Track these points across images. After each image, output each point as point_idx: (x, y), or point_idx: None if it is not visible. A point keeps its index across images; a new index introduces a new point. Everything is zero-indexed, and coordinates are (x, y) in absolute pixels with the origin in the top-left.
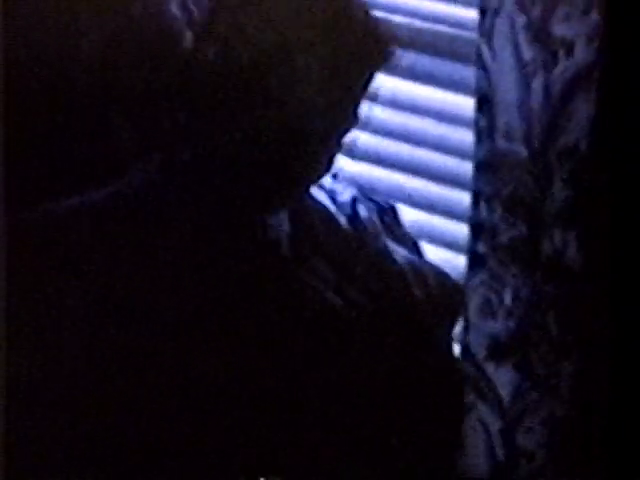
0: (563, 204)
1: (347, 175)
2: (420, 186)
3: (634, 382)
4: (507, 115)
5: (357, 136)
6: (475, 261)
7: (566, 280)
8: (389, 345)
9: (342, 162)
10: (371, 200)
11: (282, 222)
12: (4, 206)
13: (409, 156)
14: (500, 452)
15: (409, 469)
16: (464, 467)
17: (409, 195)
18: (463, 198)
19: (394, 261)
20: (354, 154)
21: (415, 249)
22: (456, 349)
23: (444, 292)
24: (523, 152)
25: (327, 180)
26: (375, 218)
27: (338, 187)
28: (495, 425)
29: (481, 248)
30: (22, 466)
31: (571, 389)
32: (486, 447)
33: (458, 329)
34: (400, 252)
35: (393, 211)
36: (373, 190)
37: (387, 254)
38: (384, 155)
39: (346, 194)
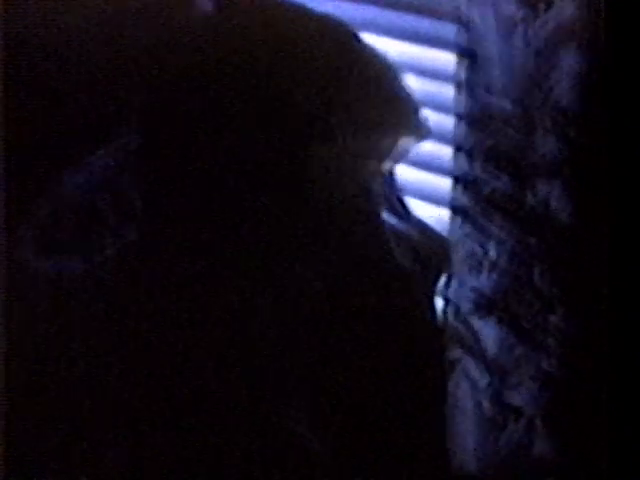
0: (547, 155)
1: None
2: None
3: (633, 338)
4: (489, 69)
5: None
6: (458, 214)
7: (550, 231)
8: (372, 303)
9: None
10: None
11: None
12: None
13: None
14: (488, 408)
15: (395, 427)
16: (451, 423)
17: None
18: (446, 152)
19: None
20: None
21: (401, 205)
22: (440, 304)
23: (429, 247)
24: (506, 105)
25: None
26: None
27: None
28: (482, 381)
29: (464, 201)
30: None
31: (560, 344)
32: (474, 403)
33: (442, 283)
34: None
35: (390, 177)
36: None
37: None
38: None
39: None
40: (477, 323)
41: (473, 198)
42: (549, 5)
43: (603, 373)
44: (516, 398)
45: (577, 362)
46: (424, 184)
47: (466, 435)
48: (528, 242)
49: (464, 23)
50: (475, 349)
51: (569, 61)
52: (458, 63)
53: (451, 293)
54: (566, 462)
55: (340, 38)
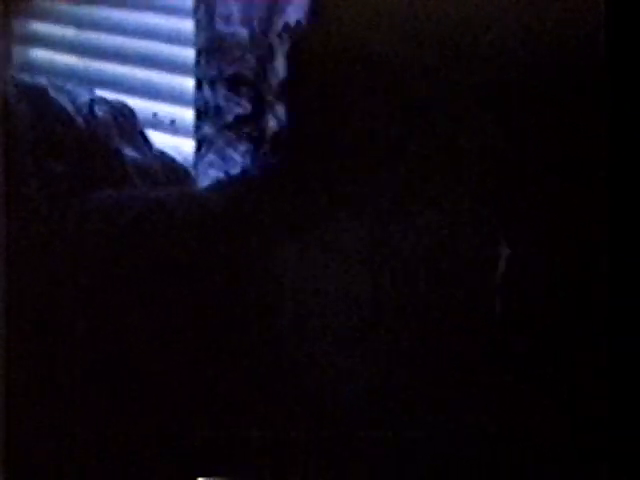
0: (285, 80)
1: (80, 73)
2: (145, 76)
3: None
4: (225, 1)
5: (79, 33)
6: (203, 143)
7: (294, 152)
8: None
9: (71, 60)
10: (106, 101)
11: None
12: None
13: (131, 48)
14: None
15: None
16: None
17: (135, 86)
18: (187, 83)
19: (123, 162)
20: (81, 51)
21: (145, 142)
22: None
23: (173, 177)
24: (243, 34)
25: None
26: (109, 119)
27: (77, 89)
28: None
29: (208, 130)
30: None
31: None
32: None
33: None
34: (129, 152)
35: (127, 110)
36: (102, 84)
37: (118, 154)
38: (109, 49)
39: (84, 96)
40: None
41: (215, 127)
42: None
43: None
44: None
45: None
46: (165, 116)
47: None
48: (265, 165)
49: None
50: None
51: None
52: None
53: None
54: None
55: None
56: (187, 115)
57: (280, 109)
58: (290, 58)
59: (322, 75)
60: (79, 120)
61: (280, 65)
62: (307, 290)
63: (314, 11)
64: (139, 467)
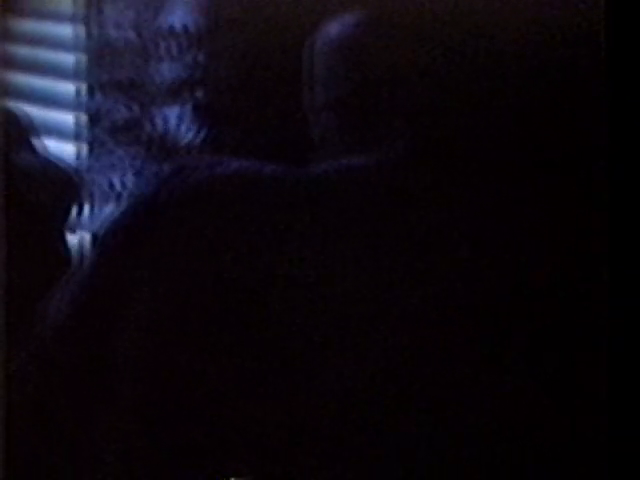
0: (174, 82)
1: None
2: (30, 82)
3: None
4: (115, 6)
5: None
6: (94, 147)
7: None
8: None
9: None
10: None
11: None
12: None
13: (18, 55)
14: None
15: None
16: None
17: (23, 92)
18: (75, 88)
19: (14, 166)
20: None
21: (29, 148)
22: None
23: (58, 181)
24: (133, 38)
25: None
26: None
27: None
28: None
29: (99, 134)
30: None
31: None
32: None
33: (75, 214)
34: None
35: (12, 117)
36: None
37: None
38: None
39: None
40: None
41: (106, 131)
42: None
43: None
44: None
45: None
46: (51, 121)
47: None
48: (156, 169)
49: None
50: None
51: None
52: (83, 2)
53: (85, 223)
54: None
55: None
56: (78, 120)
57: (170, 112)
58: (178, 61)
59: (215, 78)
60: None
61: (168, 69)
62: None
63: (204, 15)
64: (138, 467)
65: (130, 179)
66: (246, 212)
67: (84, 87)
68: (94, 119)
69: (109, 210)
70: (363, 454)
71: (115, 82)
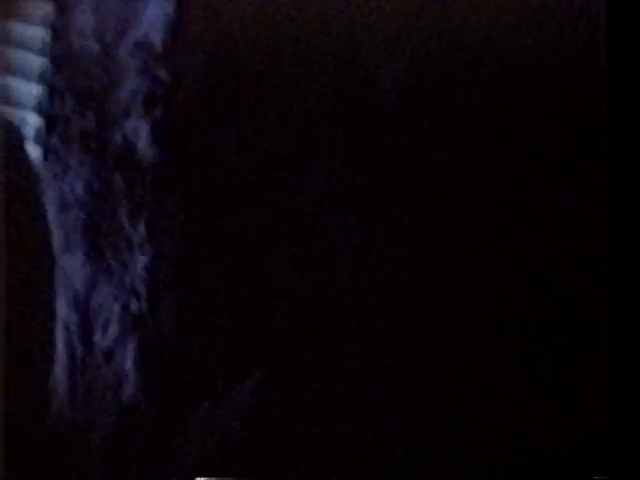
0: (134, 95)
1: None
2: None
3: None
4: (81, 15)
5: None
6: (48, 153)
7: (137, 170)
8: None
9: None
10: None
11: None
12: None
13: None
14: (79, 349)
15: None
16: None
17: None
18: (34, 91)
19: None
20: None
21: None
22: None
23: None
24: (95, 48)
25: None
26: None
27: None
28: (73, 320)
29: (54, 140)
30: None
31: (147, 285)
32: (67, 345)
33: None
34: None
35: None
36: None
37: None
38: None
39: None
40: (64, 259)
41: (62, 138)
42: None
43: None
44: (106, 339)
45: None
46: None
47: (62, 377)
48: (114, 180)
49: None
50: (64, 286)
51: (155, 6)
52: (52, 7)
53: None
54: None
55: None
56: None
57: (128, 126)
58: (140, 76)
59: (176, 95)
60: None
61: (129, 83)
62: None
63: (170, 28)
64: (139, 467)
65: (83, 189)
66: None
67: (44, 92)
68: (52, 124)
69: (62, 218)
70: (363, 454)
71: (74, 90)
